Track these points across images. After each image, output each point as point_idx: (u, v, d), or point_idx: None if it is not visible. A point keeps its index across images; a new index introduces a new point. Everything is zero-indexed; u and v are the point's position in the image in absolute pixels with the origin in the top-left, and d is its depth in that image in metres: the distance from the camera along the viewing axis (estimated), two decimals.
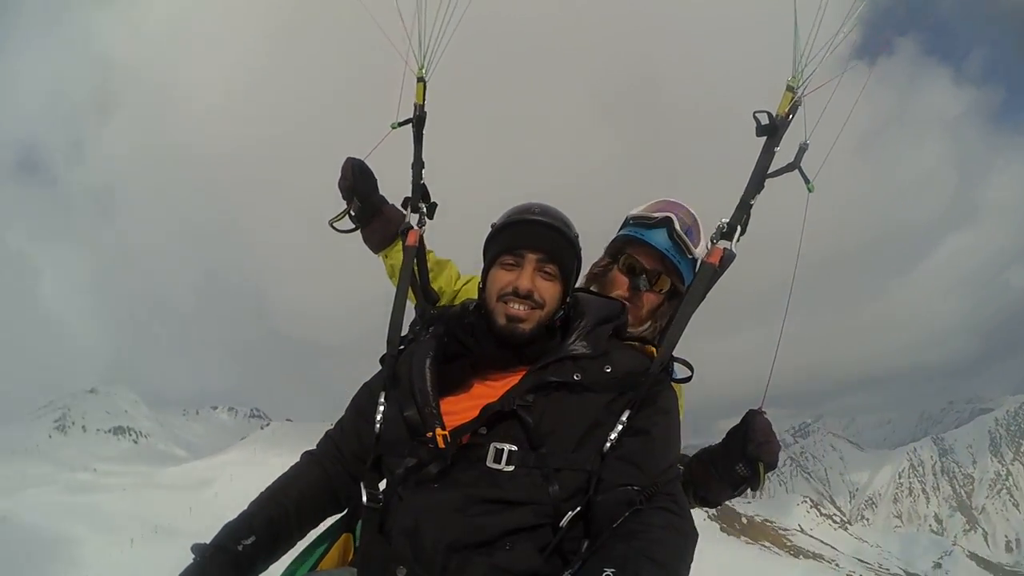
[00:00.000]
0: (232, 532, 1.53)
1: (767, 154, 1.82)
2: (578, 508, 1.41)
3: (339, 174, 2.10)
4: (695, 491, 1.93)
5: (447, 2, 1.94)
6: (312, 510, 1.66)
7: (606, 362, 1.57)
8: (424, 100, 2.05)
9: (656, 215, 2.06)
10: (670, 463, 1.49)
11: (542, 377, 1.53)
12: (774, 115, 1.83)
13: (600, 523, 1.39)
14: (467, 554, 1.35)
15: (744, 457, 1.77)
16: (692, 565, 1.35)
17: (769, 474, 1.78)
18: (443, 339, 1.67)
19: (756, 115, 1.84)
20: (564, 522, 1.40)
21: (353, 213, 2.14)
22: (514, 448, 1.44)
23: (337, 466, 1.69)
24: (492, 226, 1.75)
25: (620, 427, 1.47)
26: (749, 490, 1.84)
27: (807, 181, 1.79)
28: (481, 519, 1.38)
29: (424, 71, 2.04)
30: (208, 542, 1.51)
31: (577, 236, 1.73)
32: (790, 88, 1.86)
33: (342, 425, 1.76)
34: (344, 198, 2.13)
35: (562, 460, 1.45)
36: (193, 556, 1.48)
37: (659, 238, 2.04)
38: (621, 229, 2.18)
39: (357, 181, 2.08)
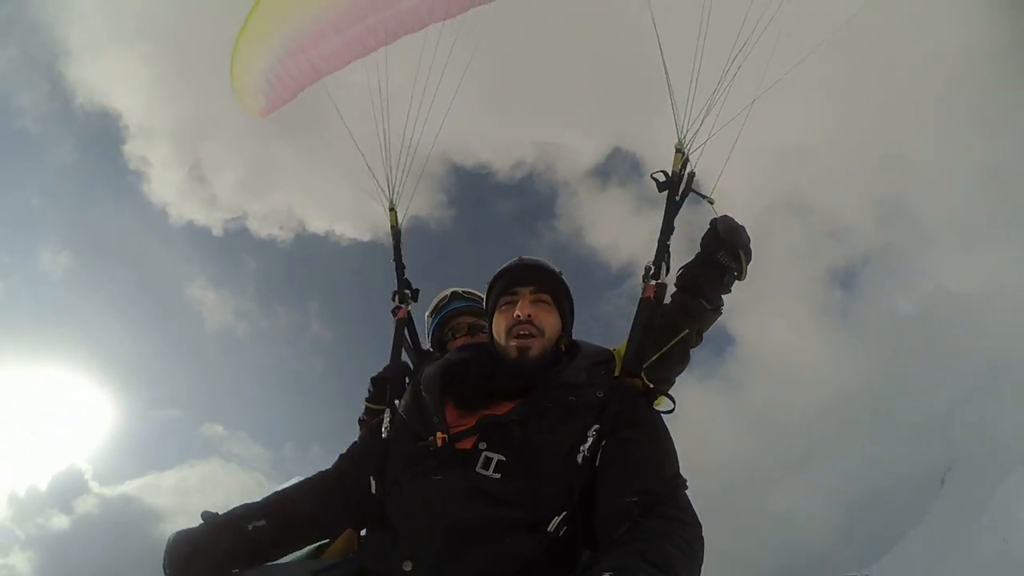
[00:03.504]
0: (246, 512, 1.64)
1: (671, 204, 2.14)
2: (564, 513, 1.48)
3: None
4: (690, 301, 2.14)
5: (404, 159, 2.58)
6: (319, 518, 1.77)
7: (598, 389, 1.72)
8: (397, 223, 2.61)
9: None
10: (669, 474, 1.54)
11: (539, 397, 1.68)
12: (669, 173, 2.17)
13: (602, 536, 1.43)
14: (467, 540, 1.43)
15: (722, 247, 2.09)
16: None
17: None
18: (459, 364, 1.85)
19: (653, 176, 2.18)
20: (552, 527, 1.47)
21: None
22: (502, 458, 1.55)
23: (352, 480, 1.80)
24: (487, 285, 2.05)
25: (590, 440, 1.57)
26: (736, 278, 2.14)
27: (705, 197, 2.17)
28: (479, 509, 1.48)
29: (394, 202, 2.62)
30: (220, 513, 1.62)
31: (561, 273, 1.97)
32: (678, 150, 2.21)
33: (357, 443, 1.96)
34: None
35: (545, 472, 1.54)
36: (202, 521, 1.59)
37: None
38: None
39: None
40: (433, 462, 1.58)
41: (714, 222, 2.17)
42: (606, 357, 1.90)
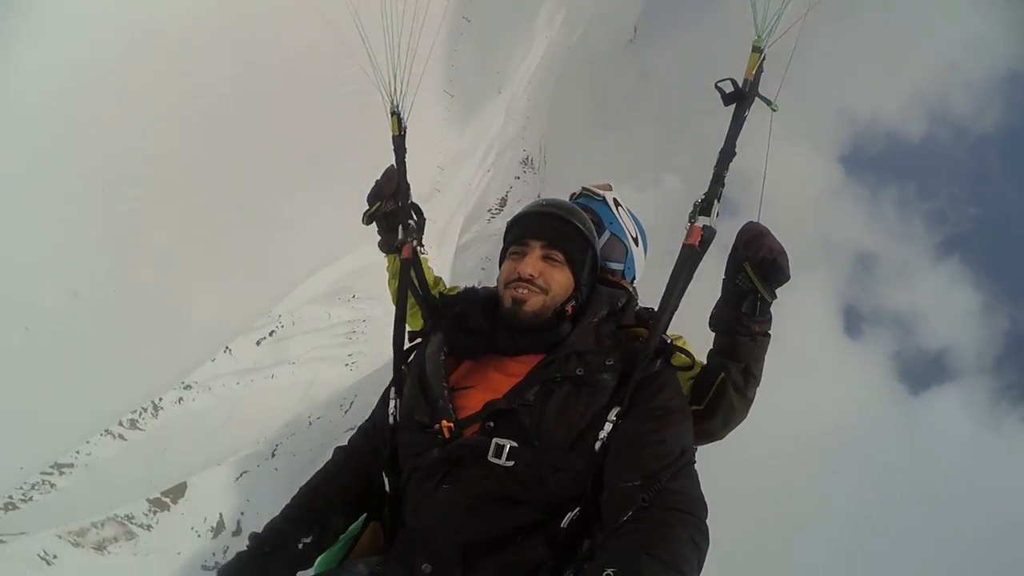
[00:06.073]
0: (293, 529, 1.59)
1: (738, 120, 1.70)
2: (577, 509, 1.40)
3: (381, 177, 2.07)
4: (722, 339, 1.71)
5: (408, 54, 2.09)
6: (354, 506, 1.73)
7: (608, 355, 1.55)
8: (400, 131, 2.13)
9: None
10: (676, 456, 1.42)
11: (546, 374, 1.54)
12: (740, 81, 1.70)
13: (603, 523, 1.37)
14: (481, 551, 1.40)
15: (739, 268, 1.61)
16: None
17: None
18: (460, 317, 1.72)
19: (718, 85, 1.70)
20: (565, 522, 1.40)
21: (386, 210, 2.05)
22: (514, 444, 1.46)
23: (371, 458, 1.74)
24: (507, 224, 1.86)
25: (610, 425, 1.46)
26: (759, 304, 1.62)
27: (769, 103, 1.70)
28: (490, 518, 1.42)
29: (397, 105, 2.13)
30: (263, 533, 1.57)
31: (587, 225, 1.76)
32: (756, 49, 1.72)
33: (373, 419, 1.82)
34: (379, 198, 2.05)
35: (558, 459, 1.45)
36: (248, 544, 1.54)
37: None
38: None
39: (401, 185, 2.05)
40: (443, 459, 1.50)
41: (741, 230, 1.66)
42: (614, 305, 1.71)
